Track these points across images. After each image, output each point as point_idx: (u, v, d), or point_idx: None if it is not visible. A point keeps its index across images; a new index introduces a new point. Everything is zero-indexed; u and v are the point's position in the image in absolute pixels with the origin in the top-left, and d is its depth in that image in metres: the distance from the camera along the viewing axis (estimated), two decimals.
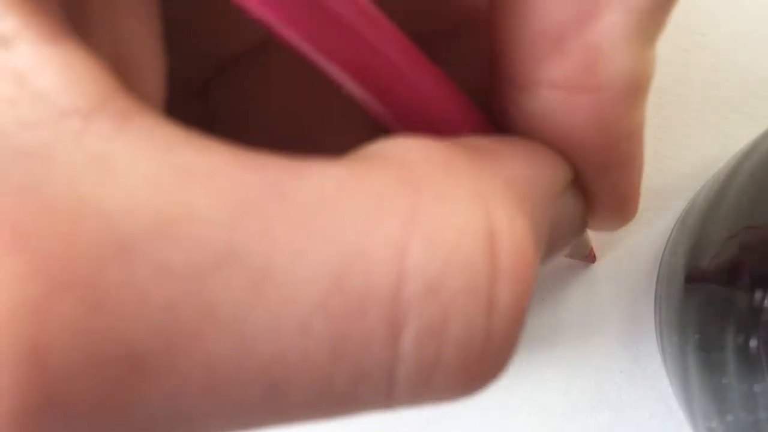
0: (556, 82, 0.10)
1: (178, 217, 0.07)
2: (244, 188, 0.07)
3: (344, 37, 0.08)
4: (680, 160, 0.20)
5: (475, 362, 0.08)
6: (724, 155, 0.19)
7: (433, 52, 0.10)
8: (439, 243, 0.07)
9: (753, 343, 0.14)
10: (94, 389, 0.06)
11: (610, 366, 0.20)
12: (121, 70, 0.08)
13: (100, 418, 0.07)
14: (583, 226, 0.12)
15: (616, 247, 0.20)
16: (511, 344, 0.08)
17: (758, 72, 0.20)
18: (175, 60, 0.10)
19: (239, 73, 0.13)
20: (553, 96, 0.10)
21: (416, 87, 0.10)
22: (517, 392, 0.19)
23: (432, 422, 0.19)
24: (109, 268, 0.06)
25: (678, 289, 0.17)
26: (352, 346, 0.07)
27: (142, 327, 0.06)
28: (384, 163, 0.08)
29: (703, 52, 0.20)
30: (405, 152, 0.08)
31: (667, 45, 0.20)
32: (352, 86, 0.09)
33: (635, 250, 0.20)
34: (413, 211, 0.08)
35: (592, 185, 0.11)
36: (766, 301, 0.14)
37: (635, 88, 0.10)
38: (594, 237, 0.19)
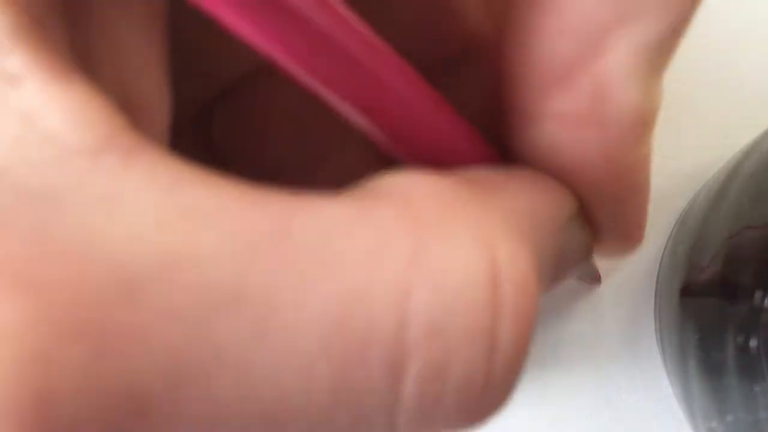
0: (562, 115, 0.10)
1: (185, 258, 0.07)
2: (249, 228, 0.07)
3: (346, 68, 0.08)
4: (680, 160, 0.20)
5: (476, 401, 0.08)
6: (724, 155, 0.19)
7: (437, 79, 0.10)
8: (442, 285, 0.07)
9: (753, 343, 0.14)
10: None
11: (610, 366, 0.20)
12: (127, 105, 0.08)
13: None
14: (588, 254, 0.12)
15: None
16: (512, 381, 0.08)
17: (758, 72, 0.20)
18: (174, 82, 0.10)
19: (241, 96, 0.13)
20: (560, 129, 0.10)
21: (420, 117, 0.09)
22: (517, 393, 0.19)
23: None
24: (116, 312, 0.06)
25: (678, 290, 0.17)
26: (353, 387, 0.07)
27: (147, 370, 0.06)
28: (388, 201, 0.08)
29: (703, 52, 0.20)
30: (410, 189, 0.08)
31: None
32: (354, 116, 0.09)
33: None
34: (417, 253, 0.08)
35: (598, 215, 0.11)
36: (766, 301, 0.14)
37: (642, 123, 0.09)
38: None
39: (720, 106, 0.20)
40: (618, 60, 0.09)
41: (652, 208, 0.20)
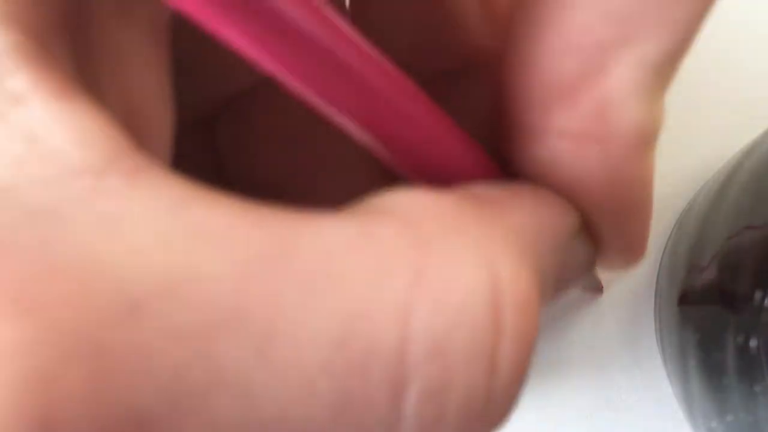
0: (565, 131, 0.10)
1: (188, 277, 0.07)
2: (252, 247, 0.07)
3: (347, 83, 0.08)
4: (680, 160, 0.20)
5: (477, 420, 0.08)
6: (724, 155, 0.19)
7: (438, 92, 0.10)
8: (444, 304, 0.07)
9: (753, 343, 0.14)
10: None
11: (610, 366, 0.20)
12: (130, 120, 0.08)
13: None
14: (590, 267, 0.12)
15: None
16: (513, 400, 0.08)
17: (758, 72, 0.20)
18: (178, 96, 0.10)
19: (245, 109, 0.13)
20: (562, 145, 0.10)
21: (421, 131, 0.09)
22: None
23: None
24: (118, 331, 0.06)
25: (678, 290, 0.17)
26: (354, 406, 0.07)
27: (149, 389, 0.06)
28: (390, 219, 0.08)
29: (703, 51, 0.20)
30: (411, 207, 0.08)
31: None
32: (356, 131, 0.09)
33: None
34: (419, 272, 0.08)
35: (600, 230, 0.11)
36: (766, 301, 0.14)
37: (645, 139, 0.09)
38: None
39: (720, 106, 0.20)
40: (621, 78, 0.09)
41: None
